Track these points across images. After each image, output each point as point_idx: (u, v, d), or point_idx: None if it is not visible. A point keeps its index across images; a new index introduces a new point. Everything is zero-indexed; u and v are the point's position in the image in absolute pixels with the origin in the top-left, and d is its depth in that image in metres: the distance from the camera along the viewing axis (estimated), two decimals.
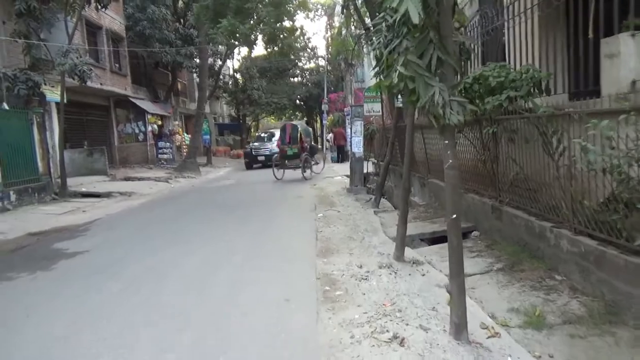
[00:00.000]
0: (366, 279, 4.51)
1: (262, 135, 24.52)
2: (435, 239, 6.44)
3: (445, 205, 8.01)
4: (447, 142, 3.12)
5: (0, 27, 12.59)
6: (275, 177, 15.14)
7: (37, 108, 12.67)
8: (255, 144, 23.41)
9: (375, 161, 14.37)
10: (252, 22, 12.59)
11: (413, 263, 4.90)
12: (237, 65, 40.20)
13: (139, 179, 16.89)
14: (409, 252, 5.27)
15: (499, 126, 5.57)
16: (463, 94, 6.26)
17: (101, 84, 18.13)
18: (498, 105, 5.35)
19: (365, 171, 11.72)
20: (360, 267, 4.89)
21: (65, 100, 15.68)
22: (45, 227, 8.77)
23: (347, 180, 14.32)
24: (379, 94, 17.83)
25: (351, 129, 10.55)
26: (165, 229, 7.91)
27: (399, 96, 8.68)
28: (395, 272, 4.63)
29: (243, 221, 8.17)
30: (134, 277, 5.03)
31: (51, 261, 6.07)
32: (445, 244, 6.28)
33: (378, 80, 5.30)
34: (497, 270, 4.64)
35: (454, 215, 3.18)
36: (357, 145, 10.51)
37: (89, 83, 16.85)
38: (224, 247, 6.11)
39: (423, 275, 4.57)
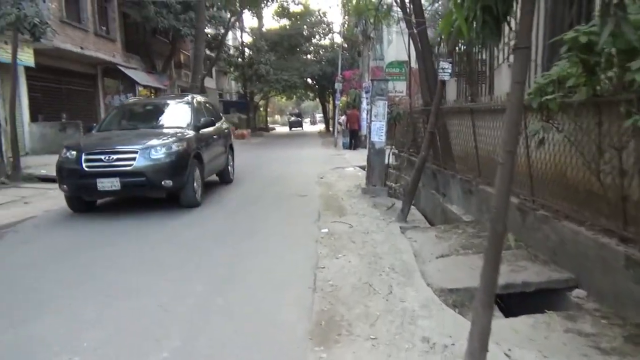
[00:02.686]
0: None
1: (115, 120, 8.87)
2: (510, 297, 3.96)
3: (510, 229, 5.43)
4: None
5: None
6: None
7: None
8: (92, 142, 7.82)
9: (397, 151, 11.80)
10: None
11: None
12: (248, 40, 37.56)
13: None
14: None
15: None
16: (575, 56, 3.71)
17: (82, 47, 15.69)
18: None
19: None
20: None
21: (32, 64, 13.39)
22: None
23: (361, 174, 11.82)
24: (403, 70, 15.25)
25: (371, 110, 7.99)
26: (94, 244, 5.52)
27: (444, 66, 6.12)
28: None
29: (211, 240, 5.70)
30: None
31: None
32: (543, 317, 3.62)
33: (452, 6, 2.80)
34: None
35: None
36: (377, 132, 7.96)
37: (62, 45, 14.49)
38: (152, 315, 3.49)
39: None
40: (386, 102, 7.92)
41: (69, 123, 14.39)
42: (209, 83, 34.53)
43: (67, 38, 14.72)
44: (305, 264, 4.56)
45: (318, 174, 11.74)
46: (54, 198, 8.81)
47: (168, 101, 9.95)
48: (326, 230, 5.92)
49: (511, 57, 6.87)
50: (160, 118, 8.74)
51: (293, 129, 51.93)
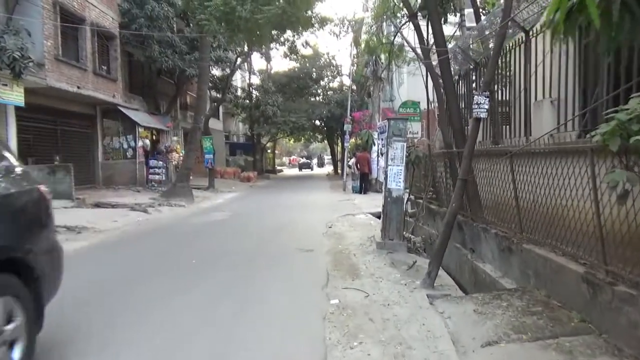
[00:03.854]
0: None
1: None
2: None
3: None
4: None
5: None
6: None
7: None
8: None
9: (413, 197, 10.69)
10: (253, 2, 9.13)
11: None
12: (255, 81, 37.33)
13: (112, 206, 13.55)
14: None
15: None
16: None
17: (79, 87, 15.02)
18: None
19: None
20: None
21: (22, 104, 12.64)
22: None
23: (374, 222, 10.70)
24: (417, 110, 14.36)
25: (387, 153, 6.97)
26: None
27: (479, 101, 5.09)
28: None
29: (194, 318, 4.56)
30: None
31: None
32: None
33: None
34: None
35: None
36: (395, 178, 6.90)
37: (57, 83, 13.82)
38: None
39: None
40: (405, 144, 6.89)
41: (59, 166, 13.48)
42: (216, 125, 34.03)
43: (63, 77, 14.06)
44: (310, 351, 3.39)
45: (326, 222, 10.64)
46: None
47: None
48: (336, 301, 4.75)
49: (553, 92, 5.89)
50: None
51: (302, 170, 56.10)
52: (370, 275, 5.81)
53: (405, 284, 5.40)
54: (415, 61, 16.83)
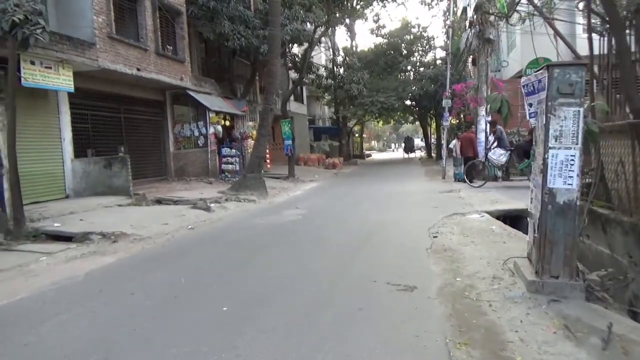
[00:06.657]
0: None
1: None
2: None
3: None
4: None
5: None
6: None
7: None
8: None
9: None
10: None
11: None
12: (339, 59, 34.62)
13: (174, 202, 11.73)
14: None
15: None
16: None
17: (138, 69, 13.36)
18: None
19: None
20: None
21: (71, 89, 11.12)
22: None
23: (496, 228, 7.65)
24: None
25: (545, 126, 3.98)
26: None
27: None
28: None
29: None
30: None
31: None
32: None
33: None
34: None
35: None
36: (562, 170, 3.92)
37: (111, 65, 12.17)
38: None
39: None
40: (582, 110, 3.86)
41: (115, 158, 11.85)
42: (300, 109, 31.92)
43: (119, 57, 12.42)
44: None
45: (428, 227, 7.78)
46: (36, 275, 5.84)
47: None
48: None
49: None
50: None
51: (408, 153, 52.13)
52: None
53: None
54: (534, 14, 13.14)
